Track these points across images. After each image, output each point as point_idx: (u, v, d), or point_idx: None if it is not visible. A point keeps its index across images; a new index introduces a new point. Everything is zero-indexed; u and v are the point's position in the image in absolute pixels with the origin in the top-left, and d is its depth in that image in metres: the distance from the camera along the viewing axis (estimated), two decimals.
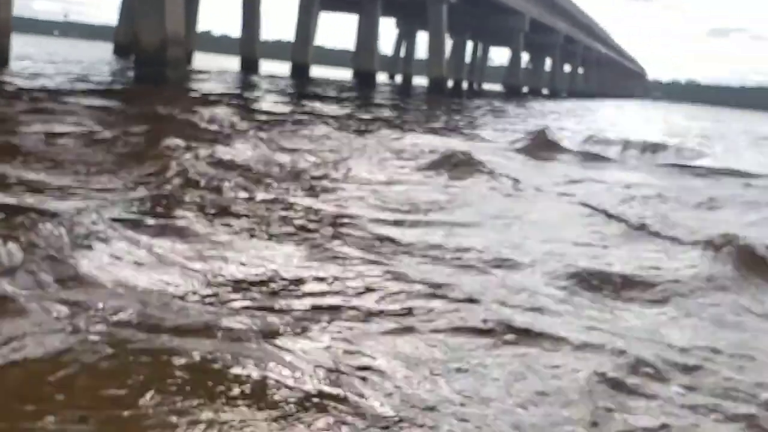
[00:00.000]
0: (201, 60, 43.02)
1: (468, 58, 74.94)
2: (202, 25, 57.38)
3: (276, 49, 78.04)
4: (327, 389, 2.68)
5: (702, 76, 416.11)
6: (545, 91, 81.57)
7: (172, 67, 20.39)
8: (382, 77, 55.66)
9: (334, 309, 3.70)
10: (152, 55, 20.14)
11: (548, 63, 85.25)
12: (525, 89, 74.37)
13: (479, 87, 76.25)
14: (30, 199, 5.17)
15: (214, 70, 36.30)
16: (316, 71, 46.76)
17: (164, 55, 20.07)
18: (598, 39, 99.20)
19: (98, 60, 33.67)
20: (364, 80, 42.28)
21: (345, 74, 53.33)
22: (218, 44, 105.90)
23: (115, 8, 43.60)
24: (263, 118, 13.95)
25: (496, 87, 77.53)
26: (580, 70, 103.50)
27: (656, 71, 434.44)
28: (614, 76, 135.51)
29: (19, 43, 25.31)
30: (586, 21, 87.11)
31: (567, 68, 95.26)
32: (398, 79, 70.01)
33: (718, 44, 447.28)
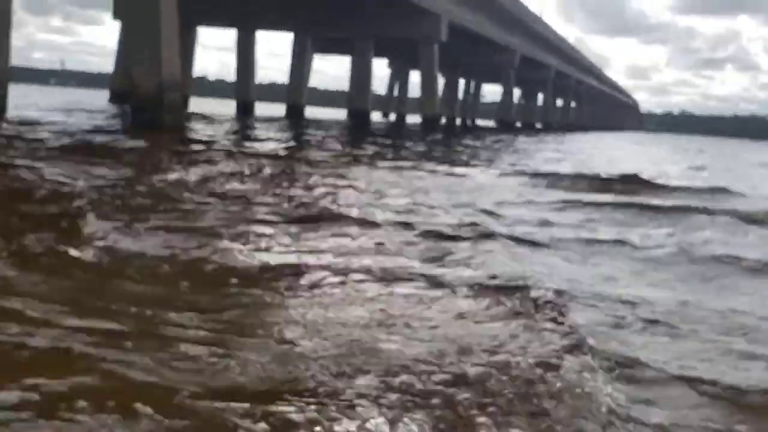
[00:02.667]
0: (197, 104, 43.49)
1: (461, 95, 75.81)
2: (197, 70, 58.17)
3: (271, 92, 78.85)
4: None
5: (694, 107, 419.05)
6: (538, 125, 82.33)
7: (169, 112, 20.67)
8: (375, 116, 56.22)
9: None
10: (149, 101, 20.42)
11: (540, 98, 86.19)
12: (518, 124, 75.10)
13: (473, 123, 76.99)
14: None
15: (213, 114, 36.75)
16: (311, 111, 47.34)
17: (161, 100, 20.36)
18: (589, 73, 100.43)
19: (93, 107, 34.06)
20: (359, 119, 42.82)
21: (339, 114, 53.91)
22: (214, 89, 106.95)
23: (112, 56, 44.06)
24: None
25: (490, 123, 78.29)
26: (573, 104, 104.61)
27: (649, 103, 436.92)
28: (607, 108, 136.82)
29: (16, 93, 25.69)
30: (577, 56, 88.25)
31: (559, 102, 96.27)
32: (392, 117, 70.72)
33: (709, 75, 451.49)
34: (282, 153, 16.13)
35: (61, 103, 36.12)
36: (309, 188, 9.85)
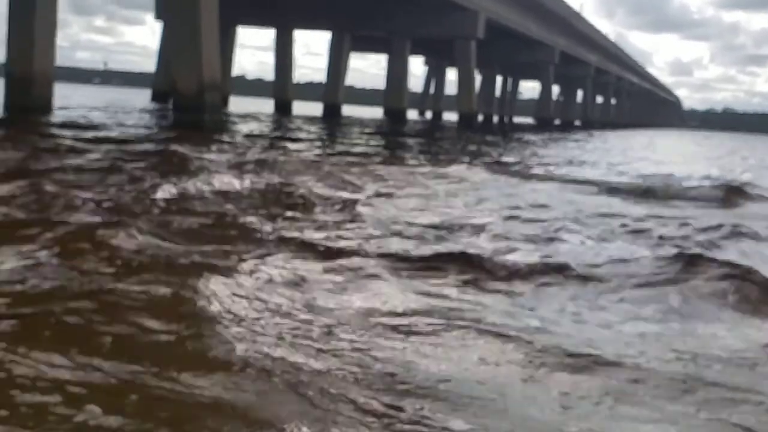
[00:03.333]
0: (236, 103, 44.05)
1: (498, 92, 75.42)
2: (236, 69, 58.81)
3: (308, 91, 79.35)
4: None
5: (738, 104, 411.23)
6: (577, 123, 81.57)
7: (209, 112, 21.04)
8: (412, 114, 56.27)
9: None
10: (190, 101, 20.79)
11: (580, 94, 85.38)
12: (557, 121, 74.49)
13: (510, 120, 76.60)
14: None
15: (255, 112, 37.23)
16: (347, 110, 47.62)
17: (201, 100, 20.72)
18: (630, 69, 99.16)
19: (134, 107, 34.68)
20: (395, 117, 42.97)
21: (375, 112, 54.04)
22: (252, 88, 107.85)
23: (154, 56, 44.84)
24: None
25: (527, 120, 77.79)
26: (613, 101, 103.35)
27: (691, 100, 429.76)
28: (648, 105, 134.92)
29: (61, 92, 26.34)
30: (617, 52, 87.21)
31: (599, 99, 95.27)
32: (428, 115, 70.71)
33: (754, 71, 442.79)
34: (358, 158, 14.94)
35: (105, 102, 36.85)
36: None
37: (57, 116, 20.88)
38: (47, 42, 22.17)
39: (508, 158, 19.09)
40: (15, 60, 21.89)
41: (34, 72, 21.66)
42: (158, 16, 43.27)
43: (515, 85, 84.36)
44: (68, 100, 32.40)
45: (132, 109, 31.89)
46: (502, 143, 28.07)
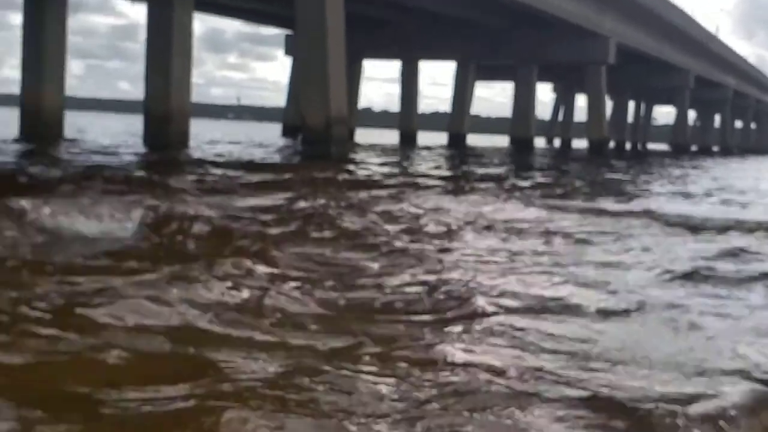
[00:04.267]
0: (362, 135, 44.63)
1: (630, 118, 73.00)
2: (363, 102, 59.97)
3: (433, 121, 79.58)
4: None
5: None
6: (715, 149, 77.74)
7: (336, 144, 21.31)
8: (539, 141, 55.17)
9: None
10: (318, 134, 21.15)
11: (717, 119, 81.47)
12: (693, 147, 71.26)
13: (644, 147, 73.90)
14: None
15: (379, 143, 37.52)
16: (472, 139, 47.24)
17: (329, 133, 21.02)
18: None
19: (264, 140, 35.62)
20: (522, 146, 42.18)
21: (500, 140, 53.35)
22: (379, 119, 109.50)
23: (284, 91, 46.21)
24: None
25: (662, 146, 74.73)
26: (753, 125, 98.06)
27: None
28: None
29: (197, 128, 27.35)
30: (757, 75, 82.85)
31: (738, 124, 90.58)
32: (556, 142, 69.24)
33: None
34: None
35: (238, 136, 38.18)
36: None
37: (194, 150, 21.60)
38: (183, 80, 23.08)
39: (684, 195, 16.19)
40: (153, 98, 22.89)
41: (171, 109, 22.56)
42: (288, 52, 44.65)
43: (648, 111, 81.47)
44: (202, 136, 33.69)
45: (263, 143, 32.79)
46: (660, 172, 26.43)
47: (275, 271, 5.45)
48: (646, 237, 8.40)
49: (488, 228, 8.54)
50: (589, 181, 20.01)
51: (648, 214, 10.64)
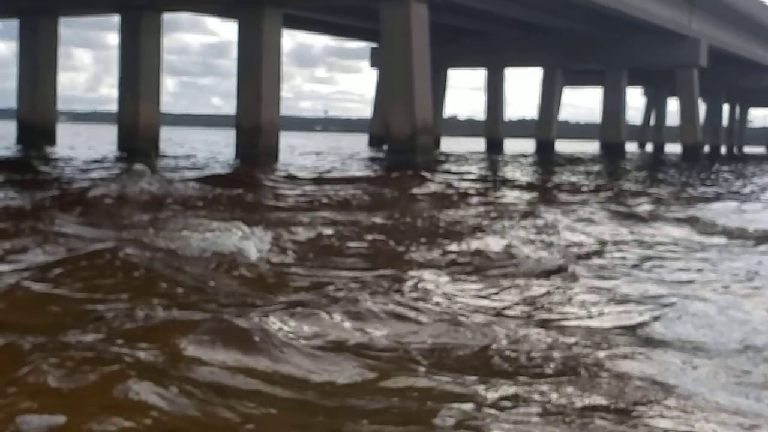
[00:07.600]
0: (448, 143, 44.72)
1: (724, 121, 70.48)
2: (449, 111, 60.13)
3: (519, 128, 78.85)
4: None
5: None
6: None
7: (422, 154, 21.47)
8: (630, 146, 53.95)
9: None
10: (403, 144, 21.36)
11: None
12: None
13: (740, 150, 71.29)
14: None
15: (462, 152, 37.42)
16: (560, 145, 46.63)
17: (414, 143, 21.21)
18: None
19: (352, 151, 36.11)
20: (612, 151, 41.41)
21: (588, 146, 52.41)
22: (465, 127, 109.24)
23: (370, 102, 46.81)
24: None
25: (759, 149, 71.85)
26: None
27: None
28: None
29: (287, 140, 28.07)
30: None
31: None
32: (648, 147, 67.56)
33: None
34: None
35: (327, 148, 38.88)
36: None
37: (285, 164, 22.14)
38: (273, 94, 23.77)
39: None
40: (244, 112, 23.66)
41: (261, 123, 23.27)
42: (374, 65, 45.21)
43: (744, 113, 78.51)
44: (293, 149, 34.43)
45: (351, 154, 33.29)
46: None
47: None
48: None
49: None
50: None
51: None
